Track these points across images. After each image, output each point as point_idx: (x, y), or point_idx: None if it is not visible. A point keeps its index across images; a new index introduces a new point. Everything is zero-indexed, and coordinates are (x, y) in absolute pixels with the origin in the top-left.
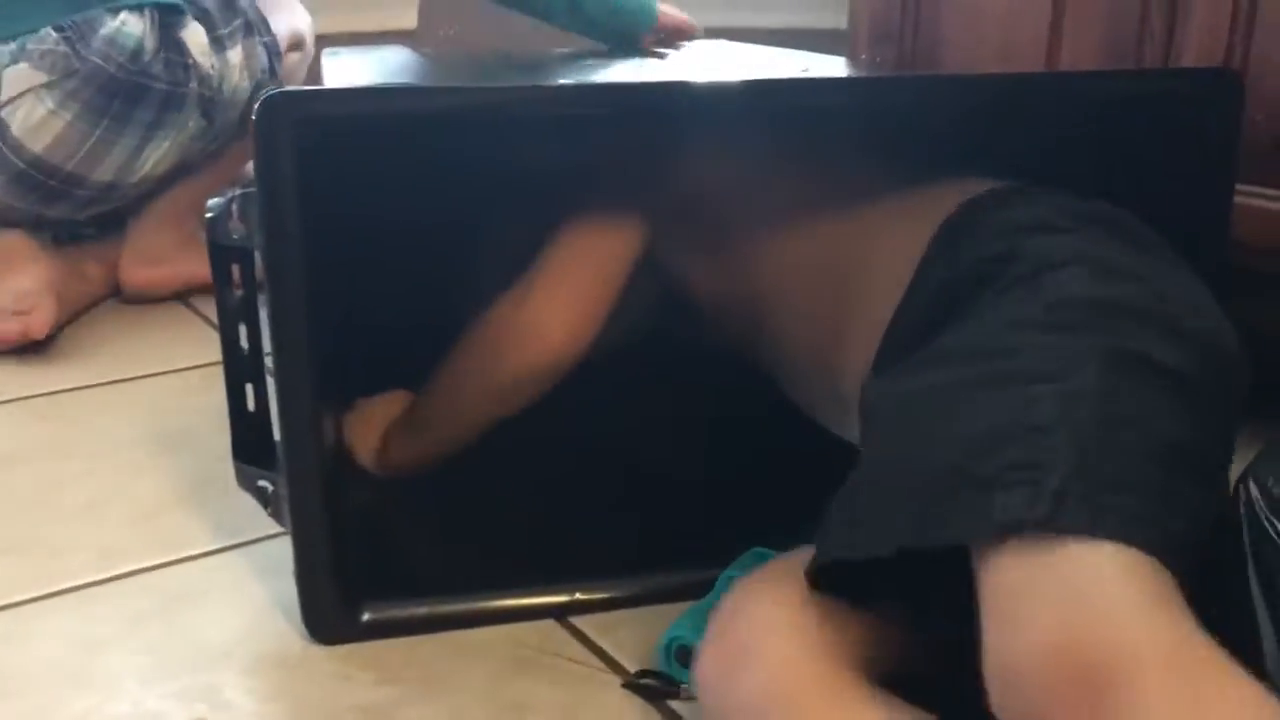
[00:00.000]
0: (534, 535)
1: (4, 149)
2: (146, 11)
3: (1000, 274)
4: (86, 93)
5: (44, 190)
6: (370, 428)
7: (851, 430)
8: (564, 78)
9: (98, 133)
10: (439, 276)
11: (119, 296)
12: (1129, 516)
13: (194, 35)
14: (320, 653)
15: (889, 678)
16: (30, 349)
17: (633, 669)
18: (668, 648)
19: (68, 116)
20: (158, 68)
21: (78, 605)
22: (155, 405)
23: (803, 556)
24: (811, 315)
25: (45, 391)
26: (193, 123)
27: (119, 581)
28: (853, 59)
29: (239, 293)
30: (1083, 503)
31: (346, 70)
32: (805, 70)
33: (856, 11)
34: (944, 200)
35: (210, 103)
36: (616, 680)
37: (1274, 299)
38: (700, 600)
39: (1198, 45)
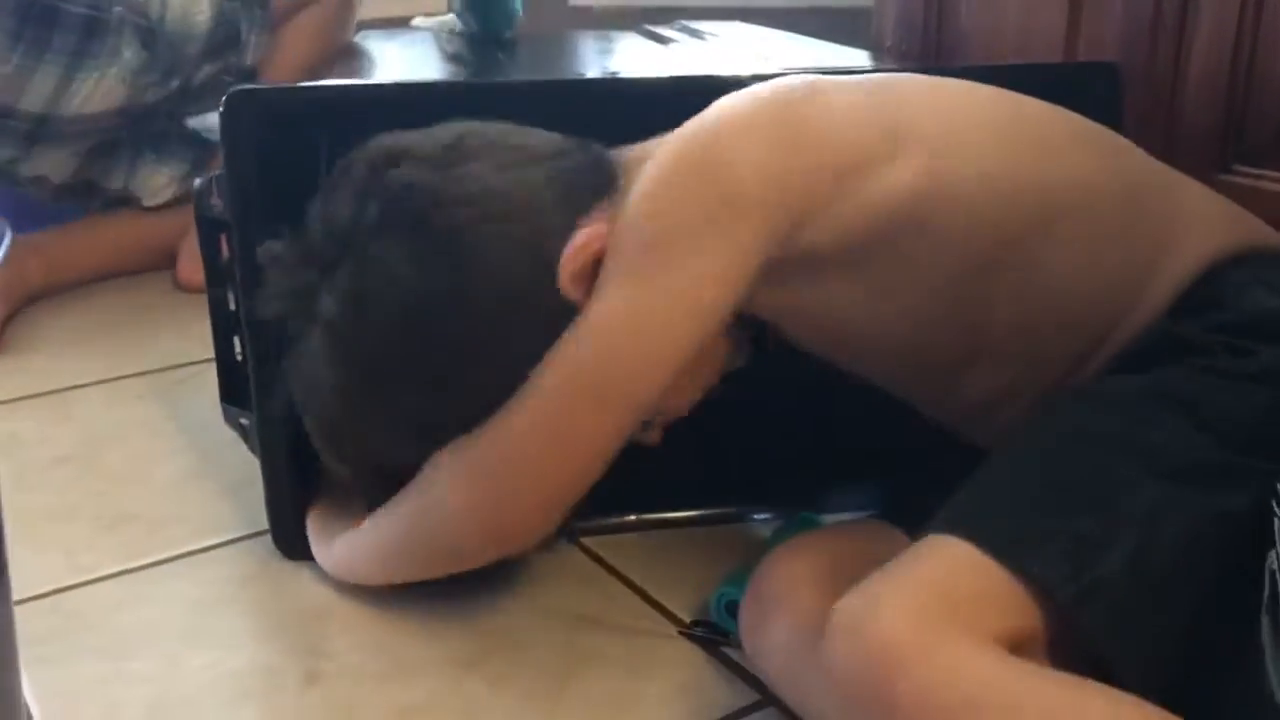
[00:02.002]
0: None
1: None
2: None
3: (1217, 353)
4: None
5: None
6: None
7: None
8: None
9: (15, 59)
10: None
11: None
12: (1129, 646)
13: None
14: (412, 611)
15: None
16: (124, 331)
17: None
18: (718, 602)
19: None
20: None
21: (187, 570)
22: None
23: (834, 530)
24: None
25: (137, 372)
26: (129, 53)
27: (223, 548)
28: (877, 48)
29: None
30: (1108, 611)
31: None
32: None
33: (879, 19)
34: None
35: (149, 33)
36: (675, 632)
37: None
38: (748, 561)
39: (1208, 36)
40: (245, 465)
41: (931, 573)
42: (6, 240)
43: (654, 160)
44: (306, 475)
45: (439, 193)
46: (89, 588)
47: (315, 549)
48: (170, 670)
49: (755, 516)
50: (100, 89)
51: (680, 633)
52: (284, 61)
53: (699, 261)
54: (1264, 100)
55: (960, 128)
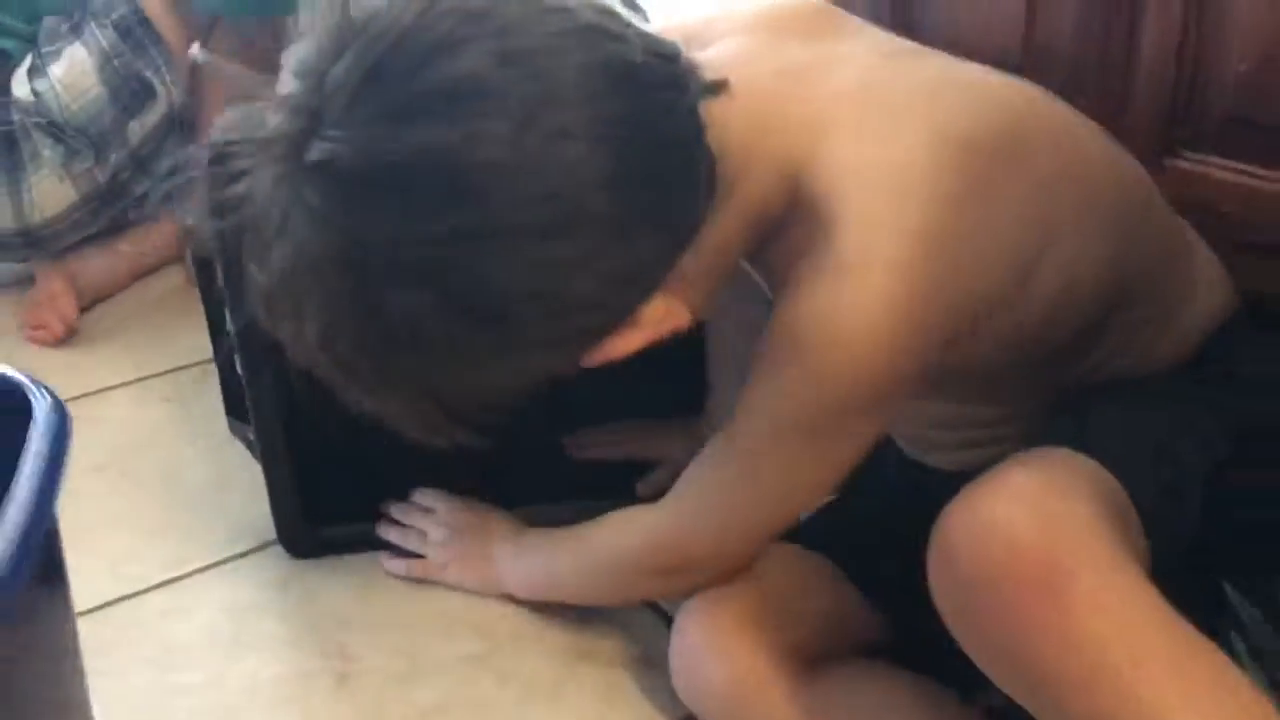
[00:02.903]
0: (475, 470)
1: None
2: None
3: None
4: None
5: None
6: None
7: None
8: None
9: None
10: None
11: None
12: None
13: (17, 73)
14: (425, 613)
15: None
16: (145, 328)
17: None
18: None
19: None
20: None
21: (223, 578)
22: None
23: (753, 571)
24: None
25: (161, 371)
26: (48, 151)
27: (253, 555)
28: None
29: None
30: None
31: None
32: None
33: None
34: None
35: (54, 126)
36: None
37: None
38: None
39: (1156, 23)
40: None
41: (1092, 485)
42: (69, 420)
43: (798, 347)
44: (306, 480)
45: (496, 280)
46: (136, 599)
47: (481, 588)
48: (216, 680)
49: None
50: (45, 191)
51: (669, 628)
52: (215, 96)
53: (853, 439)
54: (1208, 89)
55: (1090, 230)
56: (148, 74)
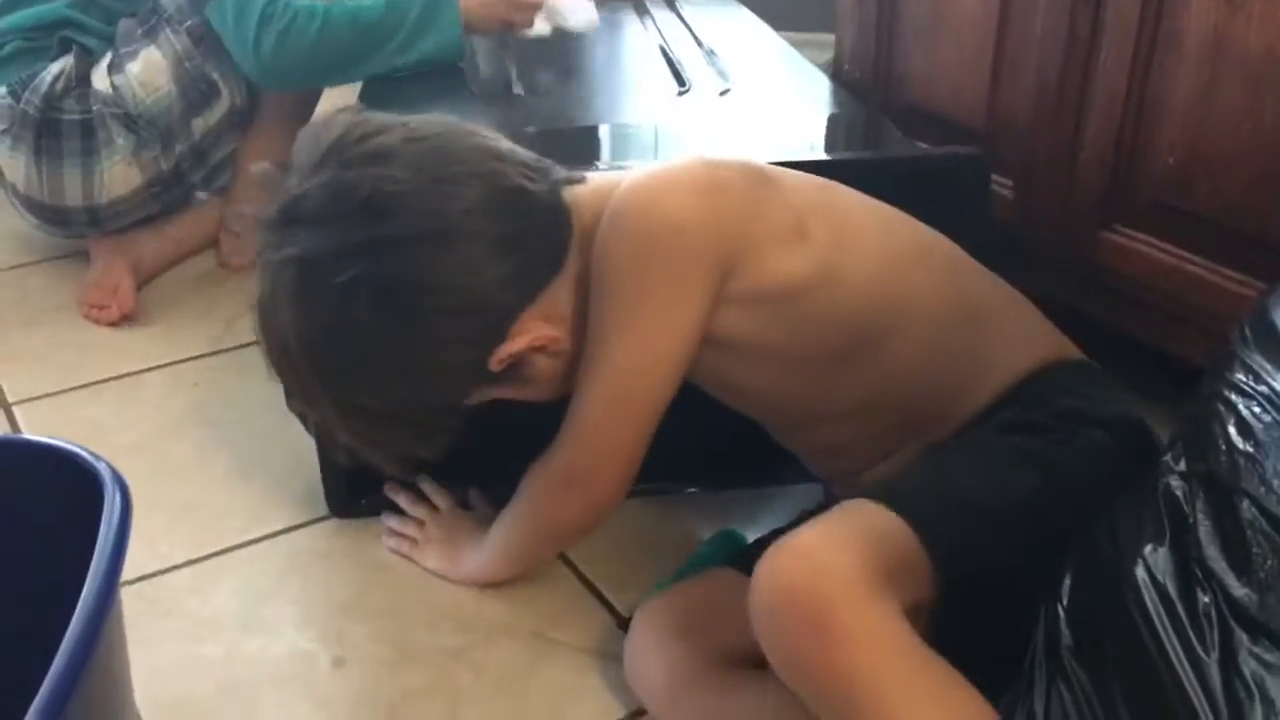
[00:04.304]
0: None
1: (4, 190)
2: (74, 53)
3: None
4: (25, 135)
5: (52, 220)
6: (439, 546)
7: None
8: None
9: (44, 167)
10: None
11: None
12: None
13: (97, 68)
14: (414, 605)
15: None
16: (180, 311)
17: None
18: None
19: (22, 158)
20: (70, 103)
21: (242, 561)
22: None
23: (687, 587)
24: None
25: (193, 355)
26: (121, 140)
27: (270, 540)
28: (837, 69)
29: None
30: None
31: None
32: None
33: (839, 46)
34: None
35: (129, 118)
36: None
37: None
38: (680, 567)
39: (1101, 106)
40: (287, 459)
41: (872, 535)
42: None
43: (612, 227)
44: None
45: (409, 277)
46: (166, 575)
47: (447, 571)
48: (232, 655)
49: (688, 490)
50: (115, 175)
51: (618, 627)
52: (268, 119)
53: (675, 300)
54: (1141, 176)
55: (855, 235)
56: (214, 76)
